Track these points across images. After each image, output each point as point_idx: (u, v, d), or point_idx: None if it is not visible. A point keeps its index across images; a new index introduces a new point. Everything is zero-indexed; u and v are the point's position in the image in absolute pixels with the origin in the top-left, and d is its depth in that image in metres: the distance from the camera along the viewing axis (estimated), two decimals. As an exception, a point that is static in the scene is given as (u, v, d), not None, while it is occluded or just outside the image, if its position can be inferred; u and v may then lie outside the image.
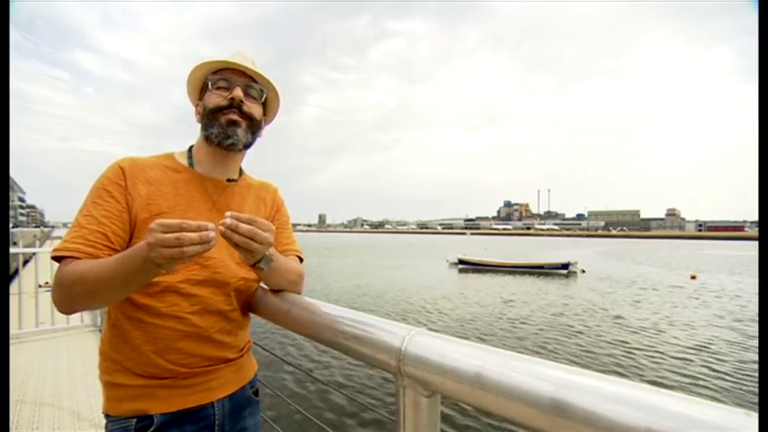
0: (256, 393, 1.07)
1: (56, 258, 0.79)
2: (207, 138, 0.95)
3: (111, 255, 0.81)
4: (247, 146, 0.99)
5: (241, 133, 0.94)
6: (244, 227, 0.74)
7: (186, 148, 1.02)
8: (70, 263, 0.78)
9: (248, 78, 0.97)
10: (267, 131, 1.08)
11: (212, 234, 0.67)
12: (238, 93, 0.93)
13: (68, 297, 0.77)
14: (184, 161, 0.98)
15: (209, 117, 0.94)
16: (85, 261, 0.77)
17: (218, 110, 0.93)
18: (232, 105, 0.93)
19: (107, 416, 0.87)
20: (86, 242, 0.80)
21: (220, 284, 0.91)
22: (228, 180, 1.01)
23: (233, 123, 0.93)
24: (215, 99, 0.93)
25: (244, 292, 0.98)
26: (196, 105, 1.00)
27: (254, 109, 0.97)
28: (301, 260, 1.09)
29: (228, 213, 0.74)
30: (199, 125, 0.99)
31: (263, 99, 1.00)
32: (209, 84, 0.95)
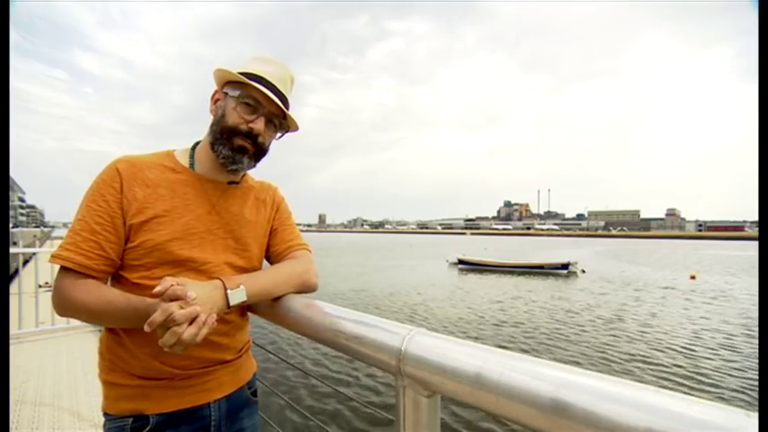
0: (255, 394, 1.06)
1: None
2: (213, 147, 0.93)
3: (104, 264, 0.84)
4: (248, 169, 0.99)
5: (246, 161, 0.93)
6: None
7: (190, 145, 1.00)
8: (75, 280, 0.82)
9: (277, 108, 0.94)
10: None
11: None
12: (260, 126, 0.91)
13: (67, 313, 0.84)
14: (185, 161, 0.96)
15: (222, 132, 0.91)
16: (90, 290, 0.81)
17: (235, 132, 0.91)
18: (249, 134, 0.91)
19: (106, 414, 0.87)
20: (79, 250, 0.82)
21: None
22: (230, 183, 0.99)
23: (242, 150, 0.92)
24: (236, 118, 0.90)
25: None
26: (215, 92, 0.96)
27: (268, 139, 0.96)
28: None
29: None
30: (203, 119, 0.97)
31: (280, 133, 0.99)
32: (239, 95, 0.90)
